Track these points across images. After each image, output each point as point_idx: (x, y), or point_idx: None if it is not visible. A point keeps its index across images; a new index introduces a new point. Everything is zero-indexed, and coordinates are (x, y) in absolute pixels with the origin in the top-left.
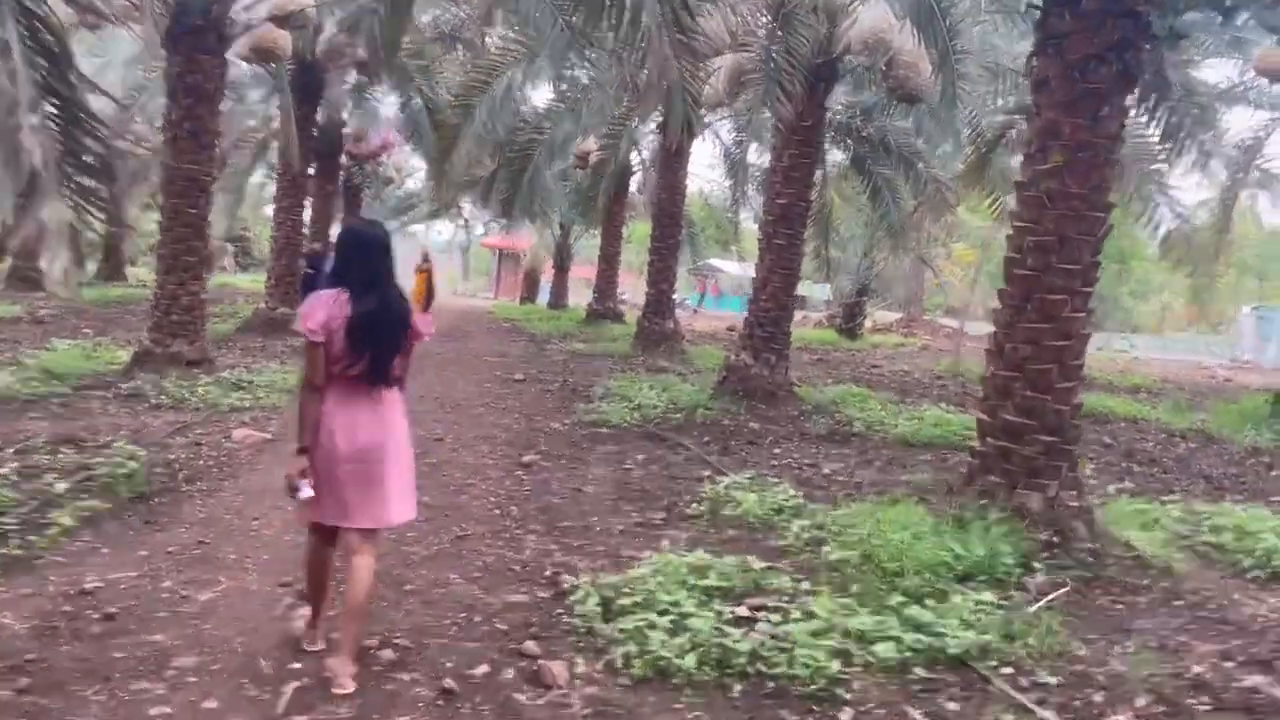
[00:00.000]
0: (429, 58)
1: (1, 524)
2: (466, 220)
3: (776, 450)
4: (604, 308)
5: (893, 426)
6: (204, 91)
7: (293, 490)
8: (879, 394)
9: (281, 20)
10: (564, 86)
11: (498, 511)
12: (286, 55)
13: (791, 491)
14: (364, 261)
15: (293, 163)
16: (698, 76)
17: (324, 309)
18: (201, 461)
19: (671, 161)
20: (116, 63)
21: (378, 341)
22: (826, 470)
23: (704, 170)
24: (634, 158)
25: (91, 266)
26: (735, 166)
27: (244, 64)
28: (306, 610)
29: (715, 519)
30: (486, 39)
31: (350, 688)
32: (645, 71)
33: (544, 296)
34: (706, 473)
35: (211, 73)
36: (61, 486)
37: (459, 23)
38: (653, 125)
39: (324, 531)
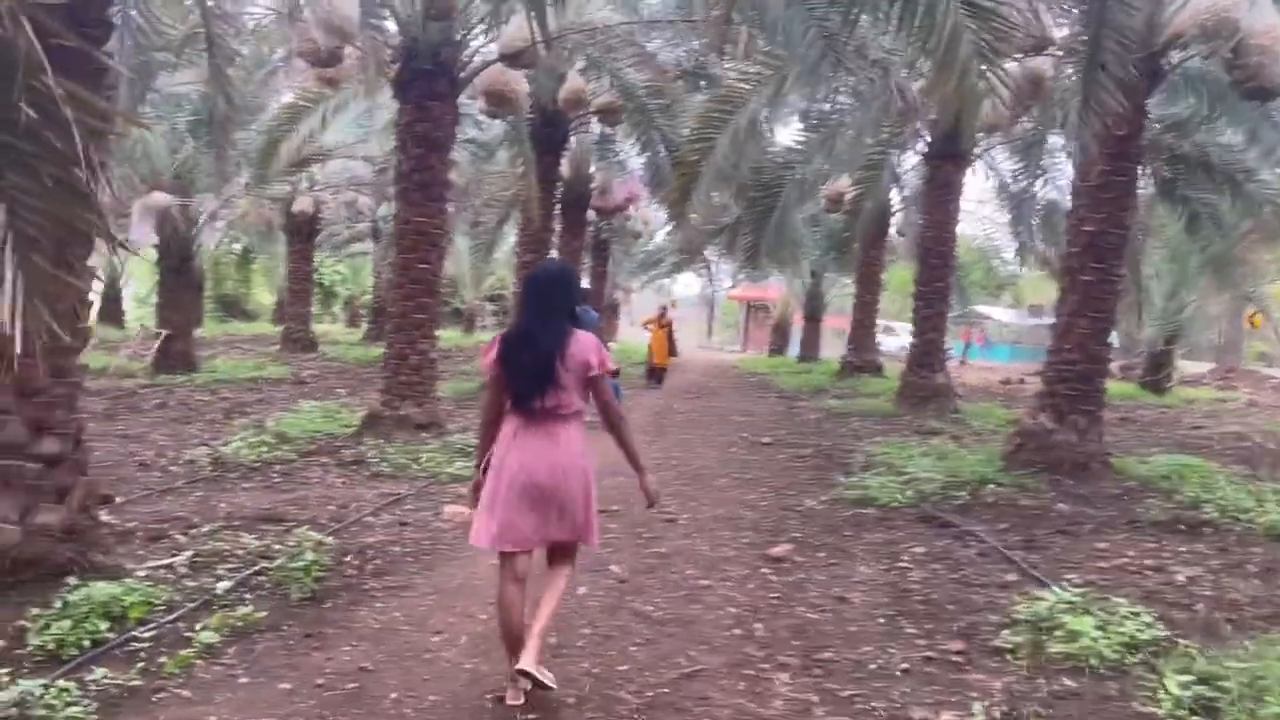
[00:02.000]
0: (670, 97)
1: (137, 638)
2: (712, 272)
3: (1101, 545)
4: (861, 360)
5: (1258, 513)
6: (434, 140)
7: (464, 512)
8: (1218, 465)
9: (512, 59)
10: (813, 120)
11: (738, 631)
12: (521, 99)
13: (1144, 615)
14: (525, 297)
15: (534, 217)
16: (995, 74)
17: (498, 345)
18: (399, 547)
19: (939, 196)
20: (378, 127)
21: (519, 369)
22: (1181, 578)
23: (968, 207)
24: (893, 196)
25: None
26: (1016, 199)
27: (489, 119)
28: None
29: (1038, 656)
30: (727, 70)
31: (518, 700)
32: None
33: (794, 349)
34: (1011, 576)
35: (442, 120)
36: (224, 586)
37: (702, 58)
38: (915, 156)
39: (509, 565)
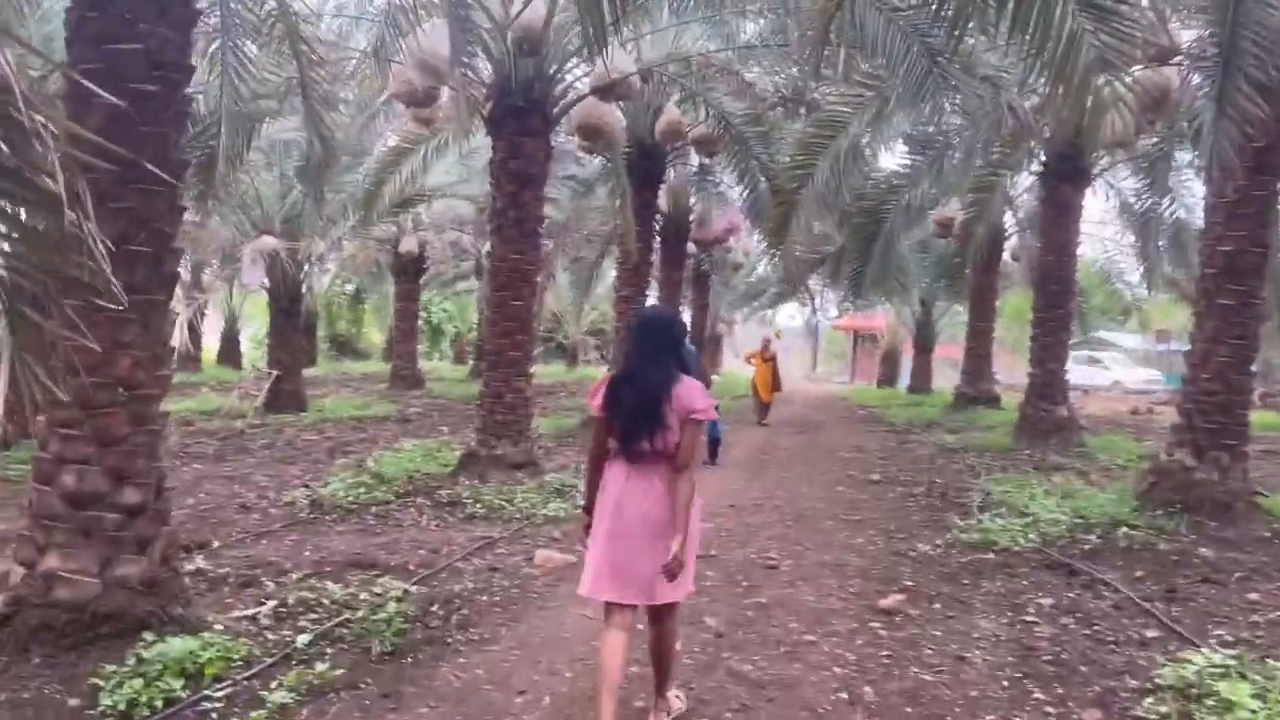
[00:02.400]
0: (768, 125)
1: (210, 696)
2: (814, 302)
3: (1252, 596)
4: (975, 391)
5: None
6: (528, 176)
7: (586, 547)
8: None
9: (605, 93)
10: (918, 142)
11: (844, 696)
12: (615, 133)
13: None
14: (631, 341)
15: (631, 251)
16: (1119, 83)
17: (606, 387)
18: (487, 596)
19: (1057, 218)
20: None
21: (624, 413)
22: None
23: (1088, 228)
24: (1006, 219)
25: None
26: (1141, 219)
27: (587, 154)
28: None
29: None
30: (826, 94)
31: None
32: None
33: (904, 380)
34: (1151, 632)
35: (535, 156)
36: (304, 639)
37: (801, 85)
38: (1030, 176)
39: (612, 614)
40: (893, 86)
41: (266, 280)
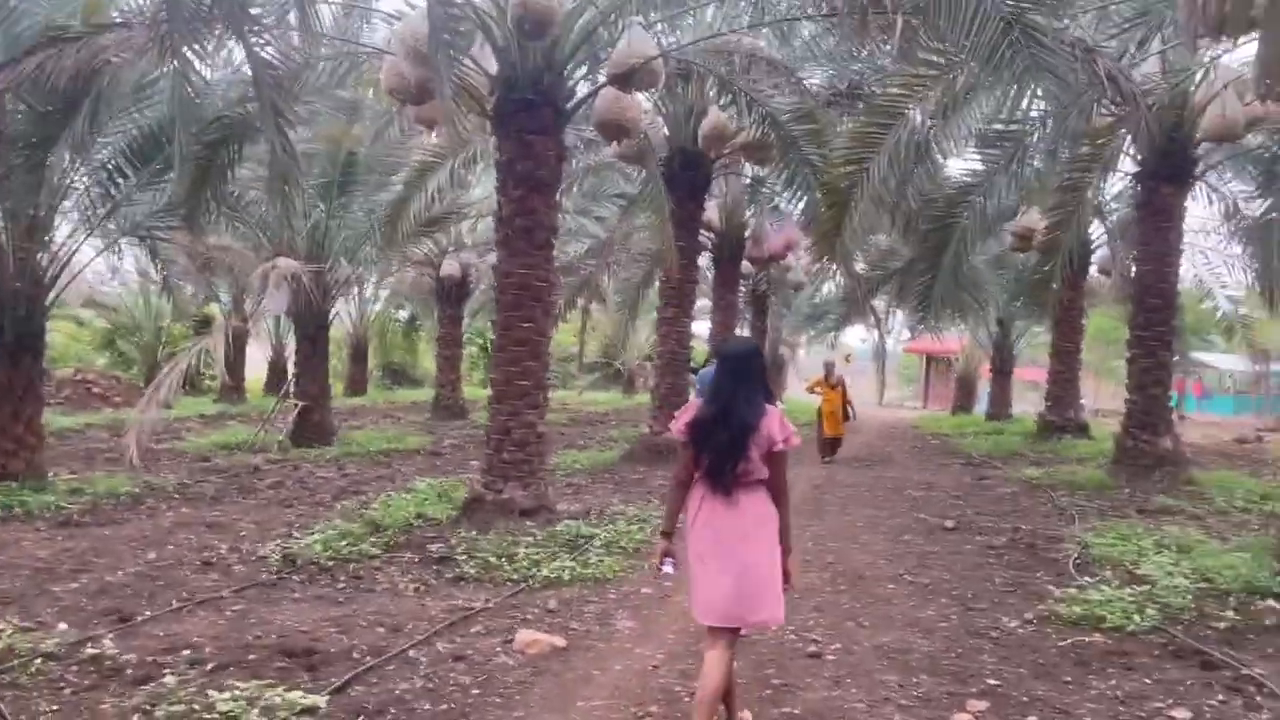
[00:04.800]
0: (820, 122)
1: None
2: (882, 323)
3: None
4: (1061, 418)
5: None
6: (538, 180)
7: (657, 570)
8: None
9: (624, 81)
10: (992, 140)
11: None
12: (636, 127)
13: None
14: (719, 373)
15: (672, 268)
16: None
17: (690, 412)
18: (431, 702)
19: (1156, 225)
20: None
21: (712, 443)
22: None
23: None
24: (1093, 229)
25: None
26: (1256, 225)
27: (625, 163)
28: None
29: None
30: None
31: None
32: None
33: (981, 405)
34: None
35: (546, 157)
36: None
37: (858, 77)
38: (1122, 180)
39: (714, 636)
40: (960, 63)
41: (290, 306)
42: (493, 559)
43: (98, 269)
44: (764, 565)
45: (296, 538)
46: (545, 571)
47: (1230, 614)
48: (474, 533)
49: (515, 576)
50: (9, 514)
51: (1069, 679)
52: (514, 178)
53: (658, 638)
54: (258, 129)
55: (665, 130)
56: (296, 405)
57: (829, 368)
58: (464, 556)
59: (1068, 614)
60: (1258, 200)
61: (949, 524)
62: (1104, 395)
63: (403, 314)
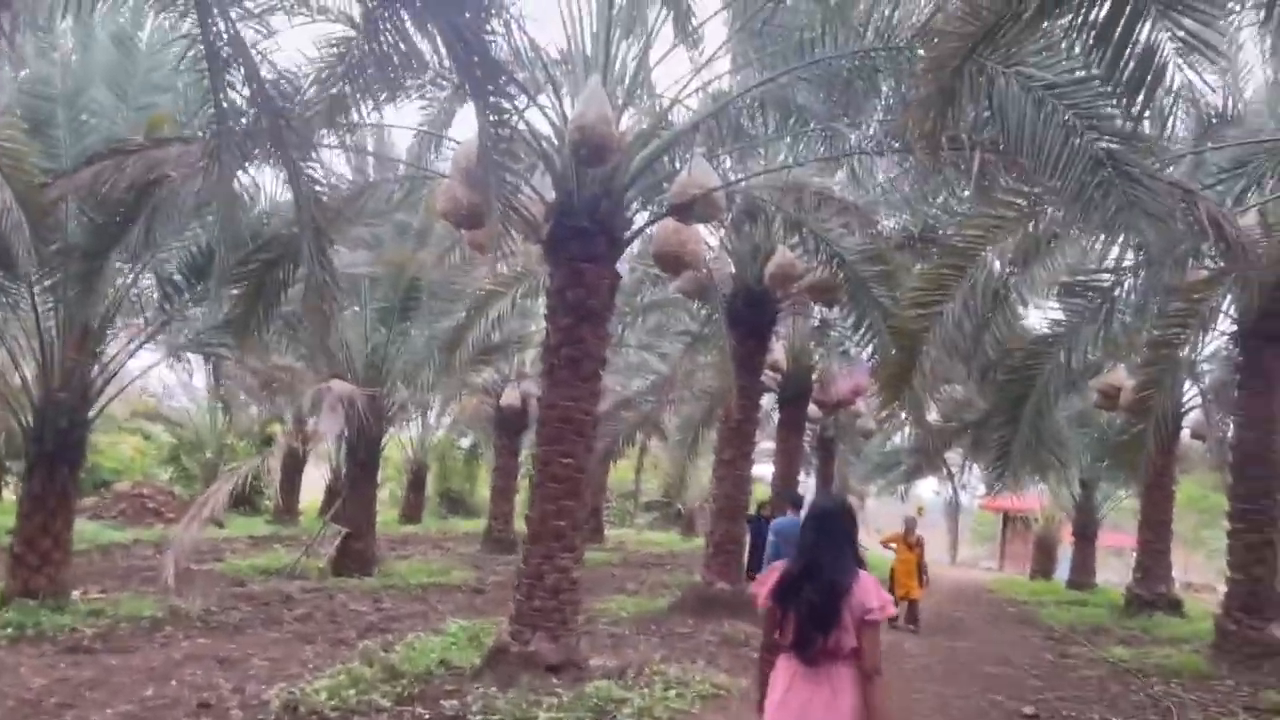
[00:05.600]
0: (891, 264)
1: None
2: (955, 476)
3: None
4: (1151, 593)
5: None
6: (588, 309)
7: None
8: None
9: (684, 211)
10: (1077, 287)
11: None
12: (696, 260)
13: None
14: (807, 529)
15: (731, 409)
16: None
17: (772, 577)
18: None
19: (1260, 387)
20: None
21: (804, 610)
22: None
23: None
24: (1187, 389)
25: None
26: None
27: (691, 301)
28: None
29: None
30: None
31: None
32: None
33: (1062, 571)
34: None
35: (598, 286)
36: None
37: (932, 220)
38: (1220, 336)
39: None
40: (1043, 204)
41: (345, 429)
42: None
43: (168, 382)
44: None
45: (308, 680)
46: None
47: None
48: (494, 689)
49: None
50: (20, 635)
51: None
52: (564, 306)
53: None
54: None
55: (731, 268)
56: (340, 532)
57: (910, 524)
58: (479, 717)
59: None
60: None
61: (1028, 710)
62: (1194, 568)
63: (465, 442)
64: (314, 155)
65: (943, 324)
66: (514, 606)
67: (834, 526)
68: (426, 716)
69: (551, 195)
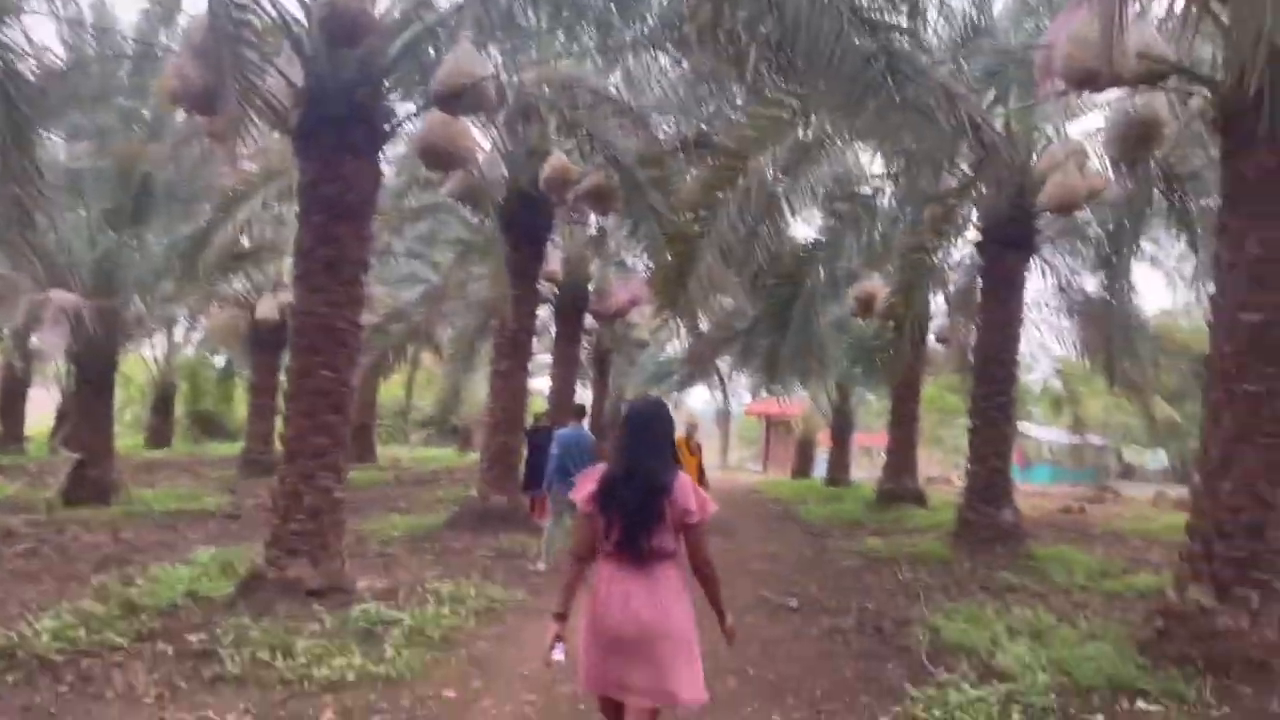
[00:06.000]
0: (668, 169)
1: None
2: (726, 385)
3: None
4: (899, 487)
5: None
6: (345, 206)
7: (549, 658)
8: None
9: (452, 102)
10: (842, 197)
11: None
12: (466, 157)
13: None
14: (626, 433)
15: (506, 317)
16: None
17: (593, 481)
18: None
19: (1001, 291)
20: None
21: (621, 508)
22: None
23: None
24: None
25: None
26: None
27: (464, 206)
28: None
29: None
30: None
31: None
32: None
33: (820, 470)
34: None
35: (356, 180)
36: None
37: (708, 124)
38: (961, 250)
39: (608, 708)
40: (815, 104)
41: (70, 346)
42: (264, 653)
43: None
44: (679, 645)
45: (27, 622)
46: (326, 671)
47: (1099, 716)
48: (248, 619)
49: (289, 676)
50: None
51: None
52: (317, 202)
53: None
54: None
55: (505, 171)
56: (71, 459)
57: (691, 429)
58: (230, 650)
59: (926, 718)
60: (1087, 275)
61: (793, 603)
62: (933, 463)
63: (218, 360)
64: (8, 19)
65: (717, 229)
66: (270, 531)
67: (652, 428)
68: (170, 652)
69: (302, 82)
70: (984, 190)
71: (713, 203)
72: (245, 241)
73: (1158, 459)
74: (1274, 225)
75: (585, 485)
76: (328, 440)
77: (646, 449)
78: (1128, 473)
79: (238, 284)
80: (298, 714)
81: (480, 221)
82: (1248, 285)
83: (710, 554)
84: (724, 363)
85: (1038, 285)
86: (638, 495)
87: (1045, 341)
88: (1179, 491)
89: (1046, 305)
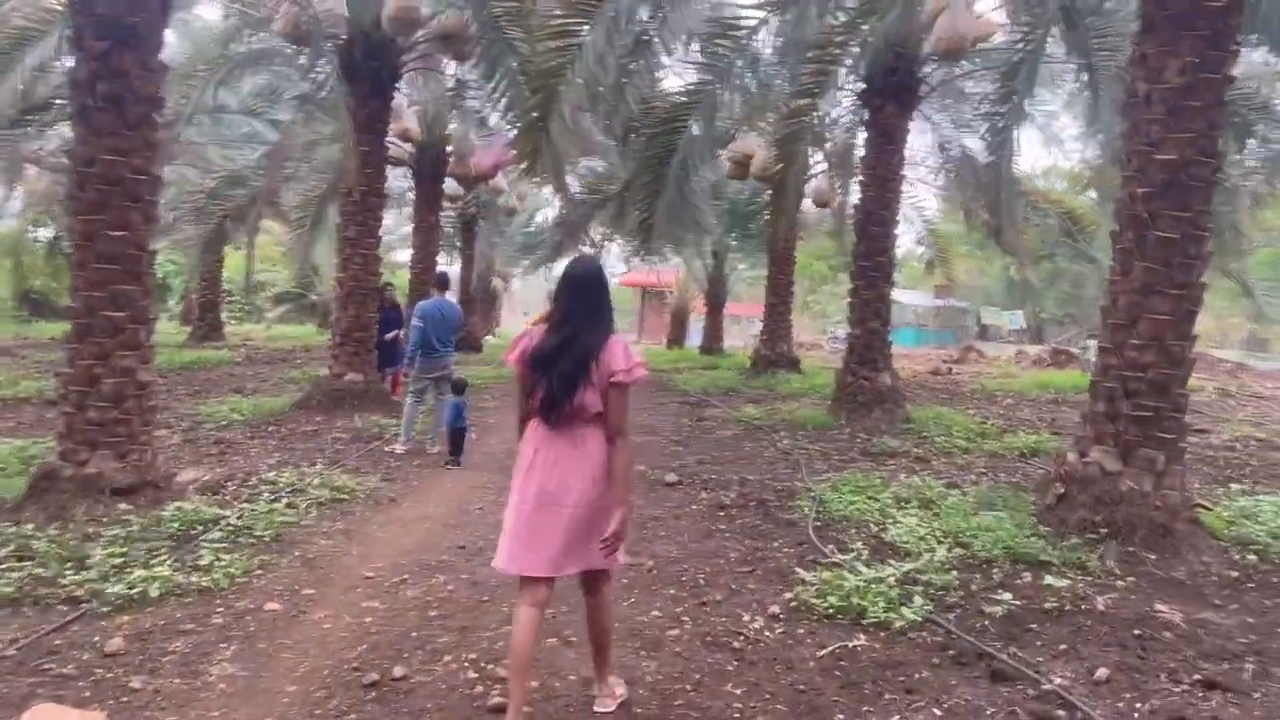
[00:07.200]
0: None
1: None
2: (598, 252)
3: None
4: (775, 353)
5: None
6: (129, 29)
7: None
8: None
9: None
10: (716, 36)
11: None
12: None
13: None
14: (564, 296)
15: (352, 177)
16: None
17: (526, 340)
18: None
19: (882, 145)
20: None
21: (553, 372)
22: None
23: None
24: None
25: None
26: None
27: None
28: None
29: None
30: None
31: (612, 706)
32: None
33: (694, 339)
34: None
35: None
36: None
37: None
38: (844, 104)
39: (528, 590)
40: None
41: None
42: (51, 565)
43: None
44: (604, 504)
45: None
46: (120, 585)
47: (1005, 596)
48: (36, 524)
49: (78, 593)
50: None
51: (842, 707)
52: (92, 23)
53: (269, 694)
54: None
55: (344, 9)
56: None
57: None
58: (7, 563)
59: (821, 606)
60: (965, 132)
61: (670, 478)
62: (804, 328)
63: (45, 233)
64: None
65: (583, 59)
66: (63, 421)
67: (588, 289)
68: None
69: None
70: (869, 32)
71: (576, 27)
72: (41, 91)
73: (1015, 320)
74: (1198, 47)
75: (515, 347)
76: (125, 313)
77: (583, 312)
78: (985, 334)
79: (54, 145)
80: (78, 641)
81: (316, 70)
82: (1164, 120)
83: (627, 425)
84: (597, 232)
85: (917, 143)
86: (571, 360)
87: (919, 201)
88: (1037, 349)
89: (924, 165)
